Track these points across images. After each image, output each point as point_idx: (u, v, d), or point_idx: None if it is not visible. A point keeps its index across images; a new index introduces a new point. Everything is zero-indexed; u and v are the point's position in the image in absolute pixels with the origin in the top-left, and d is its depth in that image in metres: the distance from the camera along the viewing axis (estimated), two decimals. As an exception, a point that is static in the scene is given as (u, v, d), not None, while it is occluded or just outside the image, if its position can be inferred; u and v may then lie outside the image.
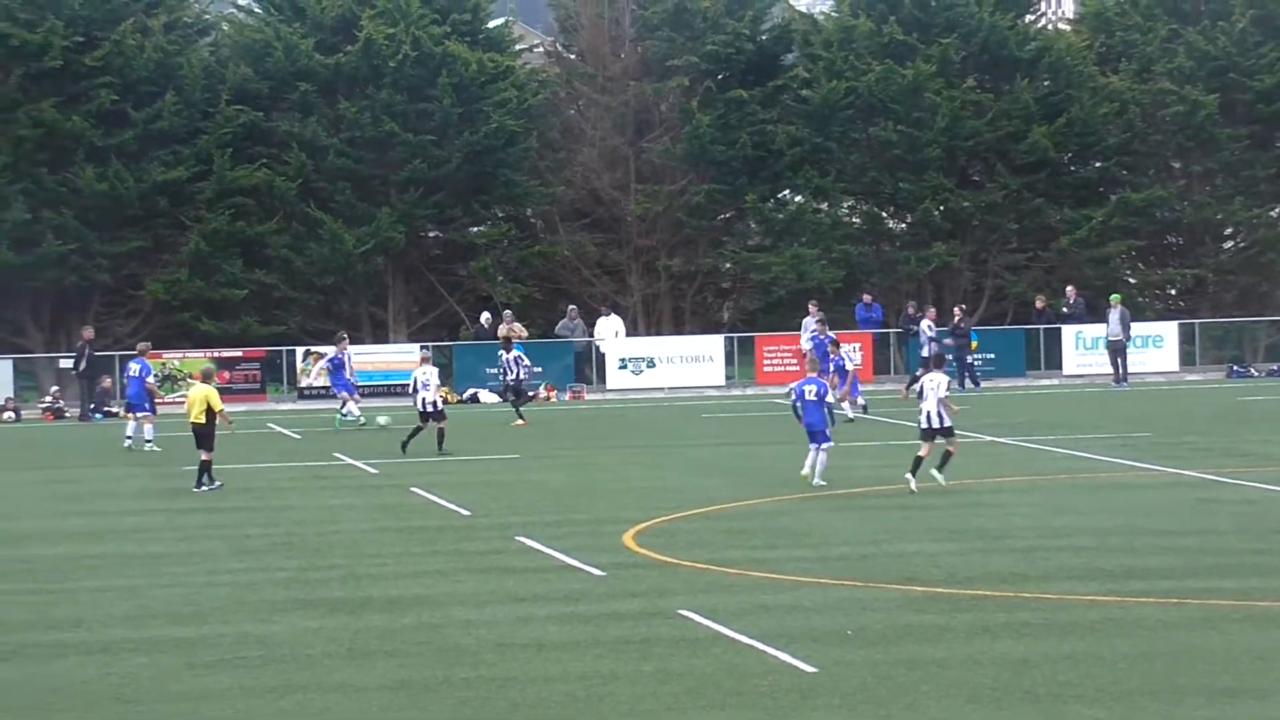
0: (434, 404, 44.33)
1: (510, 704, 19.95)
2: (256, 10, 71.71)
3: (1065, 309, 66.31)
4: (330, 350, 56.10)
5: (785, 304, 68.34)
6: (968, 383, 61.14)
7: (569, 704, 19.84)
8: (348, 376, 53.97)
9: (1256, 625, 23.07)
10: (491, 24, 73.63)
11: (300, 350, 64.13)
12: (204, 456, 38.24)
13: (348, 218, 67.85)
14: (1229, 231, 73.39)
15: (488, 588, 26.83)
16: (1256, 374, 65.59)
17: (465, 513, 34.60)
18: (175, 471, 41.68)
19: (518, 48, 73.79)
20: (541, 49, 76.57)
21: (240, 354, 63.75)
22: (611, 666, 21.58)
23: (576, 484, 39.15)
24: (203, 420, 38.03)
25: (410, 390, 46.38)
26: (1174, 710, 19.02)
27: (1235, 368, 66.19)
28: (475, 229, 71.24)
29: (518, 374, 53.17)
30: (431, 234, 71.23)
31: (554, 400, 62.43)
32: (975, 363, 63.14)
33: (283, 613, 25.31)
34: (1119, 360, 63.04)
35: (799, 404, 37.37)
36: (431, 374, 45.03)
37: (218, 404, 38.15)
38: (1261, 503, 33.91)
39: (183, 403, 55.49)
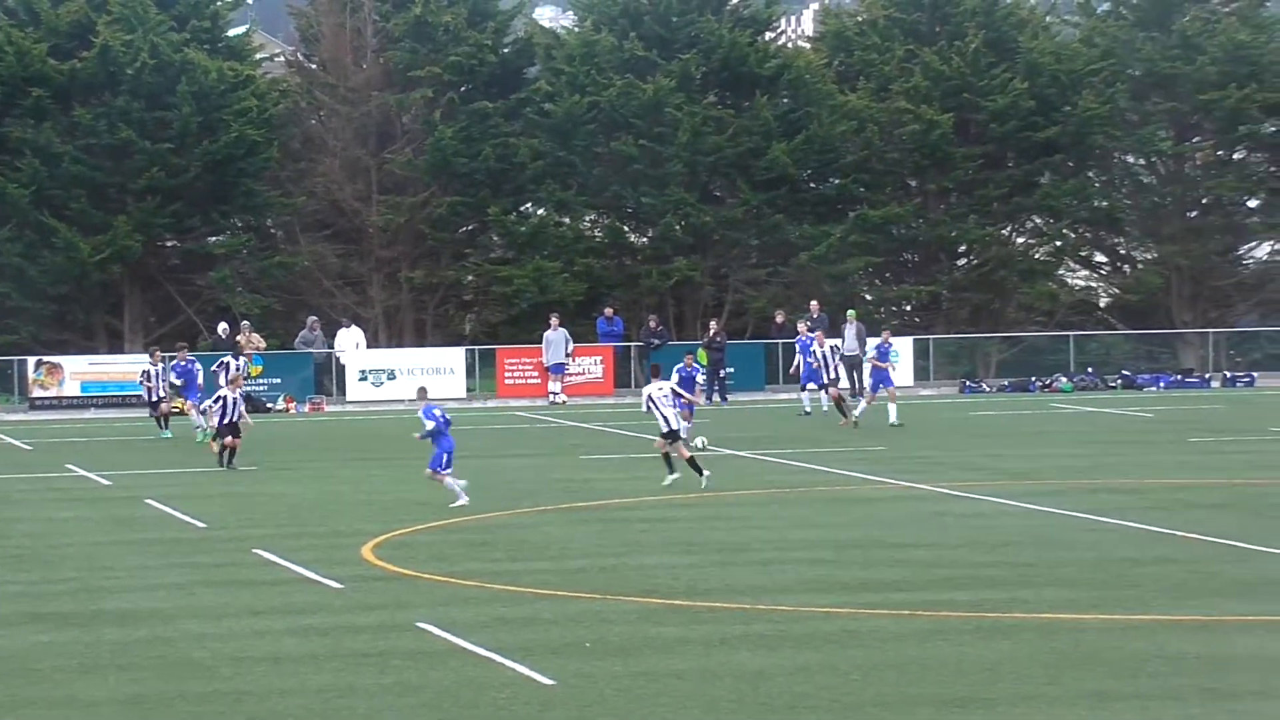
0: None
1: (246, 717, 19.78)
2: (-9, 14, 70.55)
3: (807, 324, 66.78)
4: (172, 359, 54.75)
5: (527, 316, 68.37)
6: (715, 397, 61.45)
7: (306, 717, 19.71)
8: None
9: (986, 636, 23.41)
10: (232, 32, 73.23)
11: (31, 360, 63.07)
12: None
13: (83, 226, 66.95)
14: (963, 249, 74.50)
15: (223, 601, 26.58)
16: (988, 389, 66.64)
17: (201, 525, 34.24)
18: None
19: (258, 56, 73.41)
20: (283, 58, 76.18)
21: (-30, 363, 62.62)
22: (349, 680, 21.46)
23: (315, 496, 38.88)
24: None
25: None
26: (905, 718, 19.26)
27: (968, 383, 67.21)
28: (214, 239, 70.58)
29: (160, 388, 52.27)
30: (170, 243, 70.47)
31: (293, 411, 61.97)
32: (725, 376, 63.59)
33: (11, 626, 24.89)
34: (854, 374, 63.69)
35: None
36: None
37: None
38: (992, 515, 34.46)
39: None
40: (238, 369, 49.50)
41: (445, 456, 35.85)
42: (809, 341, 56.20)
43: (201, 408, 47.53)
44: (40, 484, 41.95)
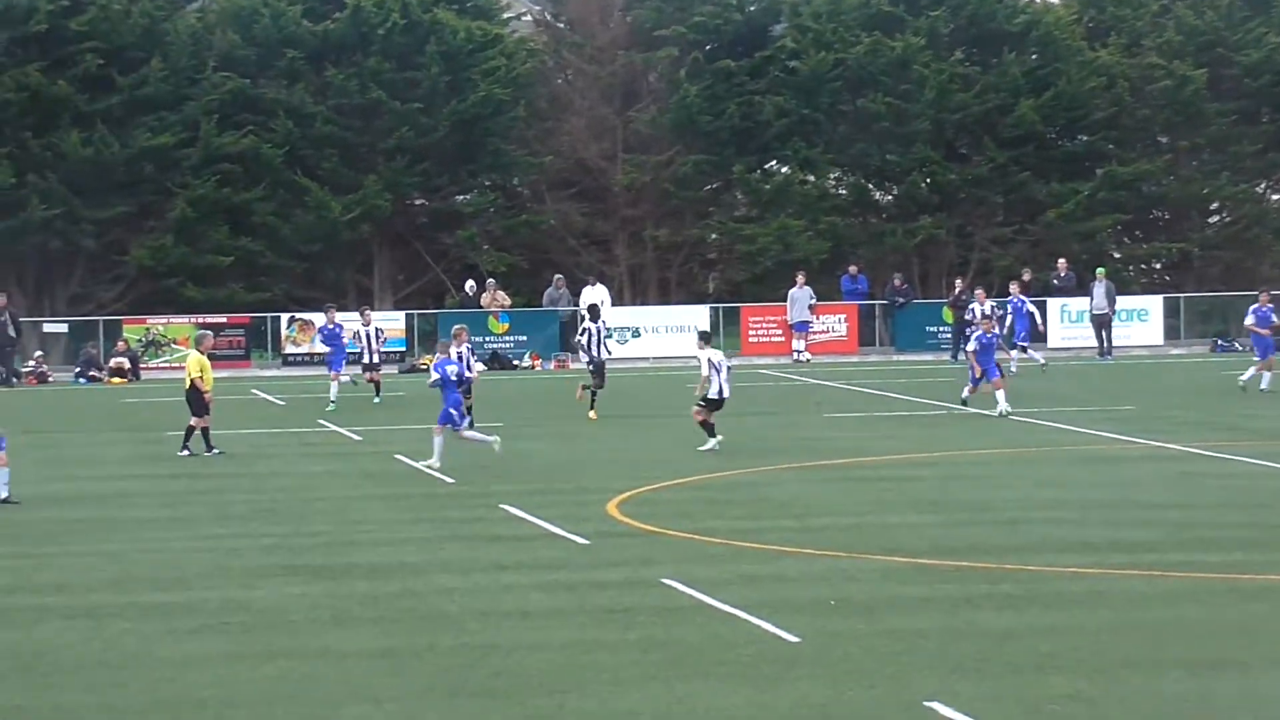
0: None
1: (493, 672, 19.97)
2: (245, -24, 71.59)
3: (1055, 282, 66.35)
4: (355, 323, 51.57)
5: (771, 275, 68.29)
6: (962, 353, 60.92)
7: (551, 672, 19.86)
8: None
9: (1240, 598, 23.12)
10: (480, -8, 73.61)
11: (285, 317, 64.05)
12: (193, 422, 38.32)
13: (334, 185, 67.80)
14: (1215, 207, 73.48)
15: (471, 555, 26.84)
16: (1241, 348, 65.60)
17: (449, 480, 34.60)
18: (160, 438, 41.66)
19: (506, 16, 73.76)
20: (529, 18, 76.54)
21: (225, 320, 63.64)
22: (595, 635, 21.59)
23: (561, 453, 39.16)
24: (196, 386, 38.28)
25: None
26: (1155, 682, 19.06)
27: (1220, 342, 66.26)
28: (461, 197, 71.23)
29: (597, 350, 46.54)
30: (418, 202, 71.15)
31: (539, 368, 62.41)
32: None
33: (266, 578, 25.31)
34: (1104, 333, 63.14)
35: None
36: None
37: (201, 378, 38.14)
38: (1246, 476, 33.99)
39: (166, 368, 55.78)
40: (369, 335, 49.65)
41: (451, 413, 35.66)
42: (1021, 303, 56.33)
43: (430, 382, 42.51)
44: (293, 439, 42.60)
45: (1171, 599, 23.13)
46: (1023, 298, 57.19)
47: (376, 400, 49.61)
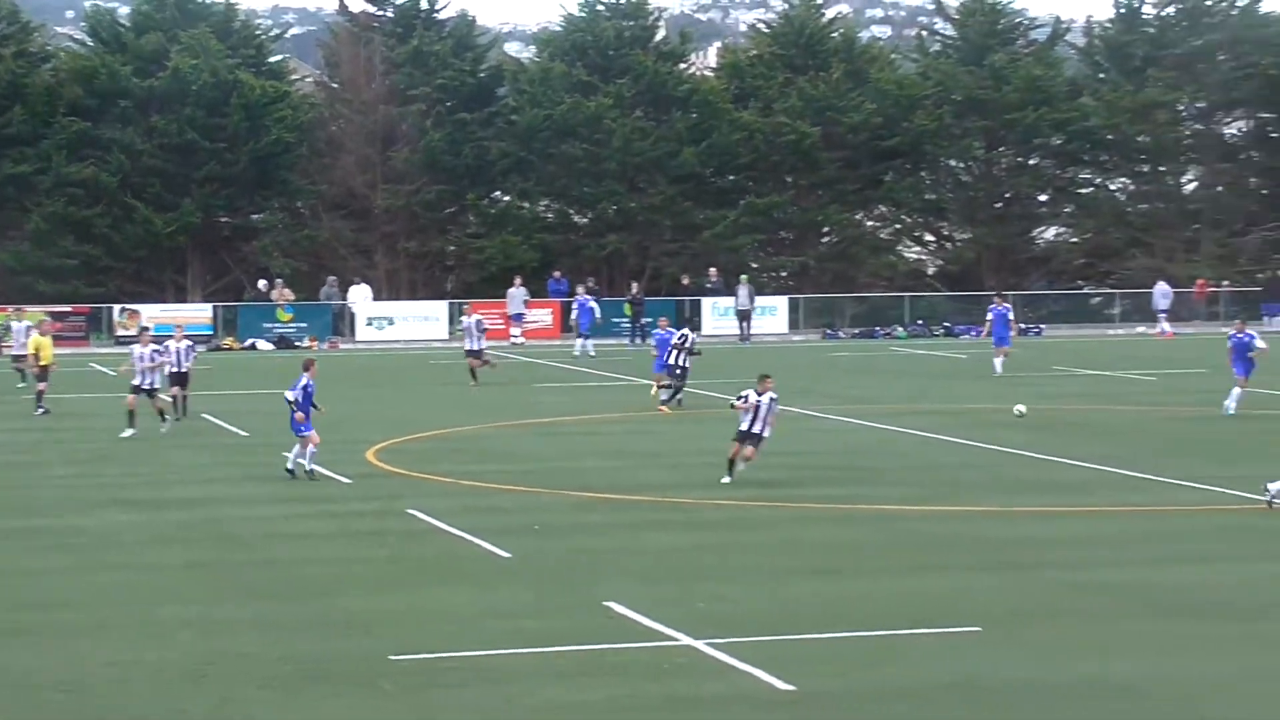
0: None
1: (276, 579, 19.80)
2: (89, 43, 69.98)
3: (708, 285, 66.90)
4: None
5: (495, 278, 68.05)
6: (636, 340, 61.29)
7: (322, 579, 19.74)
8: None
9: (837, 523, 23.55)
10: (272, 59, 72.66)
11: (117, 308, 62.58)
12: (41, 387, 37.44)
13: (157, 205, 66.48)
14: (826, 230, 74.45)
15: (261, 491, 26.54)
16: (843, 336, 66.79)
17: (245, 434, 34.13)
18: (17, 399, 40.53)
19: (292, 77, 72.84)
20: (311, 79, 75.67)
21: (70, 309, 62.02)
22: (355, 552, 21.49)
23: (331, 413, 38.60)
24: (47, 360, 37.54)
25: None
26: (784, 587, 19.35)
27: (828, 331, 67.28)
28: (257, 216, 70.12)
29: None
30: (223, 219, 69.87)
31: (315, 348, 61.65)
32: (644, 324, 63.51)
33: (101, 509, 24.85)
34: (744, 324, 63.83)
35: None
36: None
37: (38, 354, 37.65)
38: (844, 431, 34.60)
39: (11, 349, 53.93)
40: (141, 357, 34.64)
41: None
42: (1005, 311, 48.04)
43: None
44: (121, 401, 41.64)
45: (791, 523, 23.49)
46: (1005, 307, 48.66)
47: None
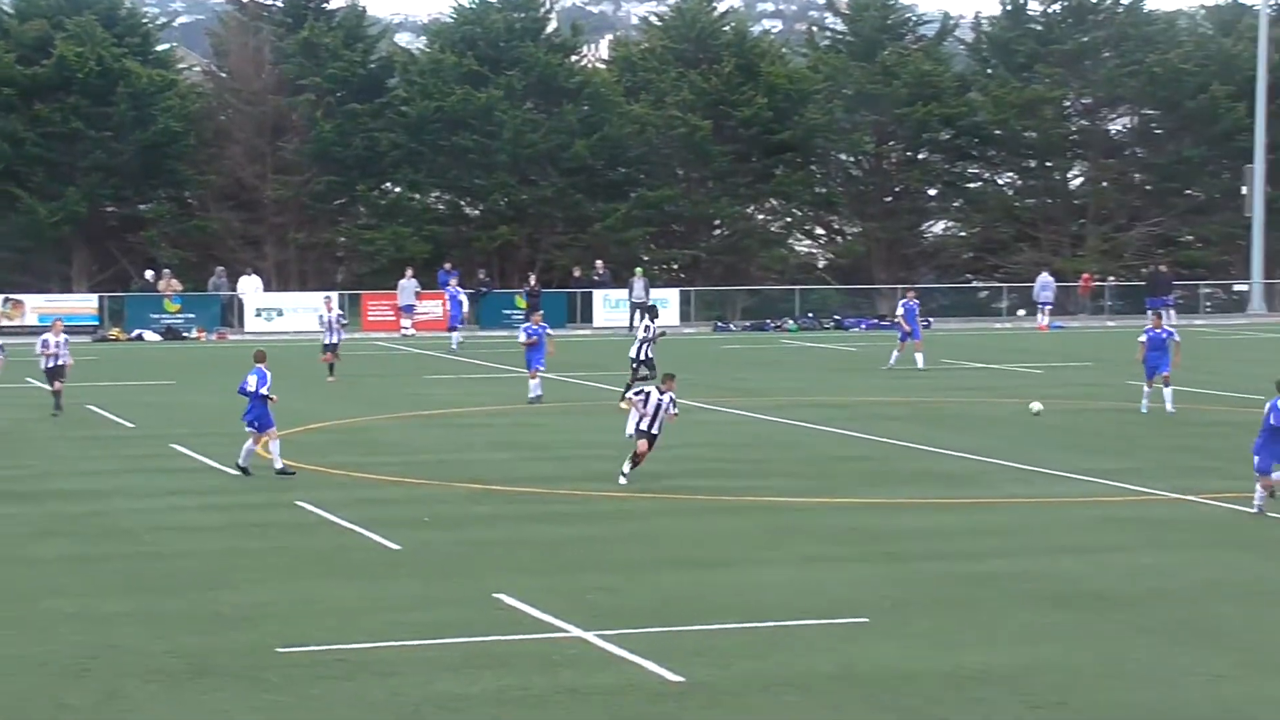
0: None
1: (161, 572, 19.62)
2: (-31, 29, 68.93)
3: (595, 277, 66.95)
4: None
5: (386, 269, 67.77)
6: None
7: (207, 572, 19.58)
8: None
9: (725, 513, 23.65)
10: (160, 47, 71.91)
11: (1, 297, 61.73)
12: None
13: (42, 195, 65.62)
14: (717, 223, 74.77)
15: (146, 484, 26.29)
16: (734, 328, 67.05)
17: (131, 425, 33.79)
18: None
19: (180, 66, 72.14)
20: (199, 68, 74.99)
21: (-47, 299, 61.18)
22: (242, 544, 21.33)
23: (220, 405, 38.35)
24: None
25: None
26: (669, 577, 19.44)
27: (719, 323, 67.53)
28: (144, 206, 69.37)
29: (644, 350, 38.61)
30: (109, 209, 69.14)
31: (203, 340, 61.12)
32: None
33: (-18, 503, 24.49)
34: (638, 316, 63.80)
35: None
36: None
37: None
38: (734, 423, 34.74)
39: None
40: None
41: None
42: (915, 305, 47.70)
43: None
44: (4, 393, 41.09)
45: (681, 515, 23.56)
46: (916, 302, 48.18)
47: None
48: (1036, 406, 33.53)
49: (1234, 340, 55.30)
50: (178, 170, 68.01)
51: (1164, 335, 35.34)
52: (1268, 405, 23.03)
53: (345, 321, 46.73)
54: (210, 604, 17.97)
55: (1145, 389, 35.12)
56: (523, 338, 38.34)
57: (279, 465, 26.22)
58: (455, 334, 55.45)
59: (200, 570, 19.66)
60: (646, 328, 38.49)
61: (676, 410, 26.26)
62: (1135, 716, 14.35)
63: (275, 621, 17.19)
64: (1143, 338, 35.66)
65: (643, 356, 37.90)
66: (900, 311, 48.44)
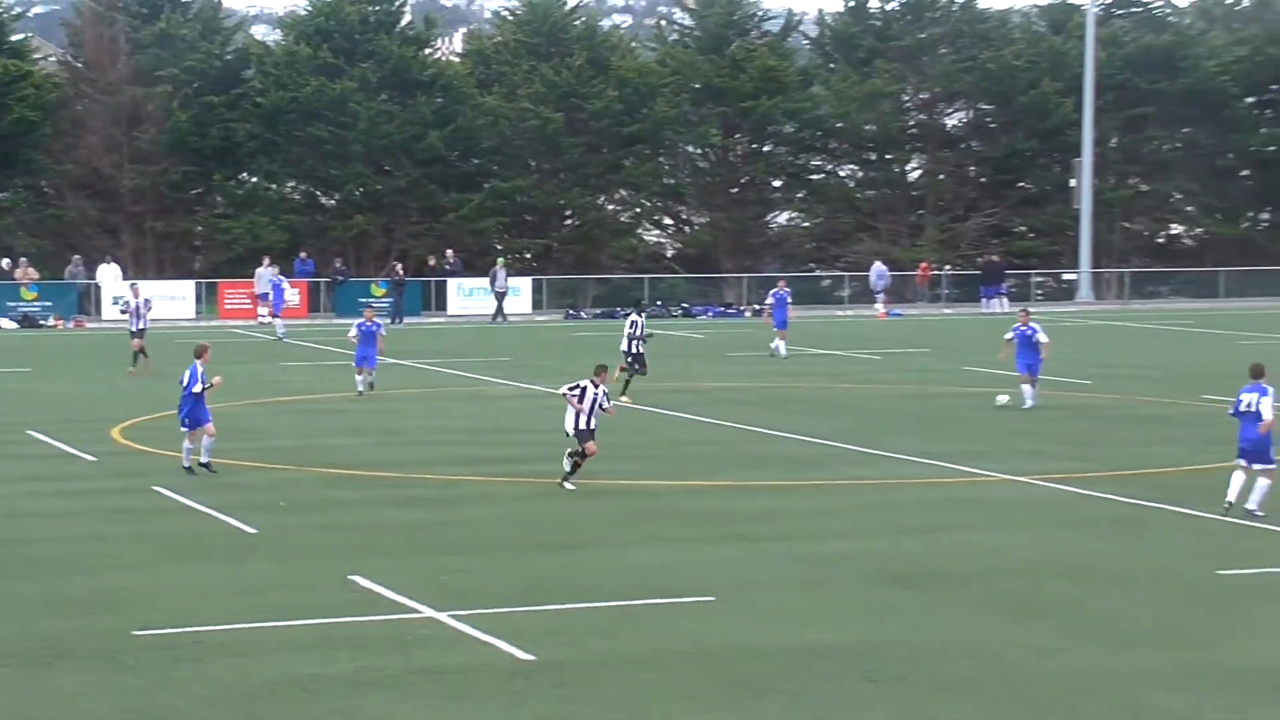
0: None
1: (18, 558, 19.26)
2: None
3: (447, 266, 66.63)
4: None
5: (243, 258, 66.98)
6: (397, 320, 60.77)
7: (65, 558, 19.26)
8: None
9: (580, 498, 23.64)
10: (15, 38, 70.44)
11: None
12: None
13: (-104, 183, 64.09)
14: (569, 213, 74.68)
15: (4, 470, 25.75)
16: (586, 316, 67.04)
17: (-13, 413, 33.11)
18: None
19: (35, 56, 70.70)
20: (55, 59, 73.57)
21: None
22: (99, 530, 21.00)
23: (77, 392, 37.80)
24: None
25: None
26: (523, 559, 19.40)
27: (571, 311, 67.49)
28: (0, 195, 68.01)
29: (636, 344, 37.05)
30: (-36, 198, 67.73)
31: (60, 327, 60.03)
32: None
33: None
34: (501, 304, 63.75)
35: None
36: None
37: None
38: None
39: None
40: None
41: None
42: (785, 295, 47.34)
43: None
44: None
45: (534, 498, 23.53)
46: (787, 291, 47.86)
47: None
48: (1002, 399, 33.09)
49: (1063, 327, 56.20)
50: (34, 159, 66.73)
51: (1030, 332, 33.99)
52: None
53: (151, 308, 45.21)
54: (68, 589, 17.67)
55: (1027, 388, 33.37)
56: (354, 333, 36.13)
57: (204, 459, 25.04)
58: (278, 321, 54.64)
59: (58, 555, 19.32)
60: (633, 324, 36.90)
61: (610, 405, 24.57)
62: (971, 689, 14.54)
63: (133, 605, 16.94)
64: (1010, 335, 34.51)
65: (634, 351, 36.48)
66: (769, 301, 48.30)
